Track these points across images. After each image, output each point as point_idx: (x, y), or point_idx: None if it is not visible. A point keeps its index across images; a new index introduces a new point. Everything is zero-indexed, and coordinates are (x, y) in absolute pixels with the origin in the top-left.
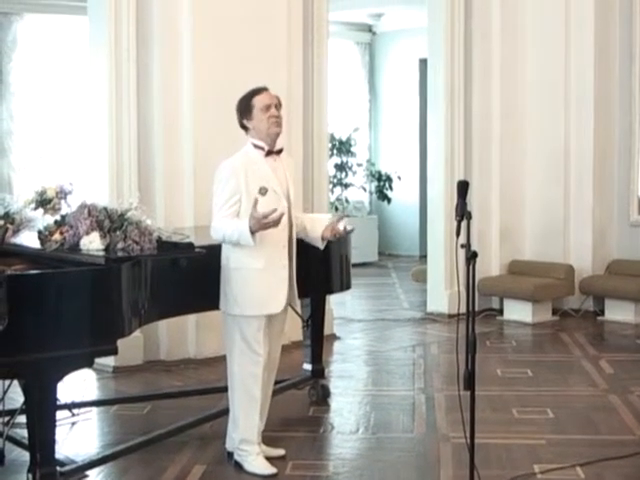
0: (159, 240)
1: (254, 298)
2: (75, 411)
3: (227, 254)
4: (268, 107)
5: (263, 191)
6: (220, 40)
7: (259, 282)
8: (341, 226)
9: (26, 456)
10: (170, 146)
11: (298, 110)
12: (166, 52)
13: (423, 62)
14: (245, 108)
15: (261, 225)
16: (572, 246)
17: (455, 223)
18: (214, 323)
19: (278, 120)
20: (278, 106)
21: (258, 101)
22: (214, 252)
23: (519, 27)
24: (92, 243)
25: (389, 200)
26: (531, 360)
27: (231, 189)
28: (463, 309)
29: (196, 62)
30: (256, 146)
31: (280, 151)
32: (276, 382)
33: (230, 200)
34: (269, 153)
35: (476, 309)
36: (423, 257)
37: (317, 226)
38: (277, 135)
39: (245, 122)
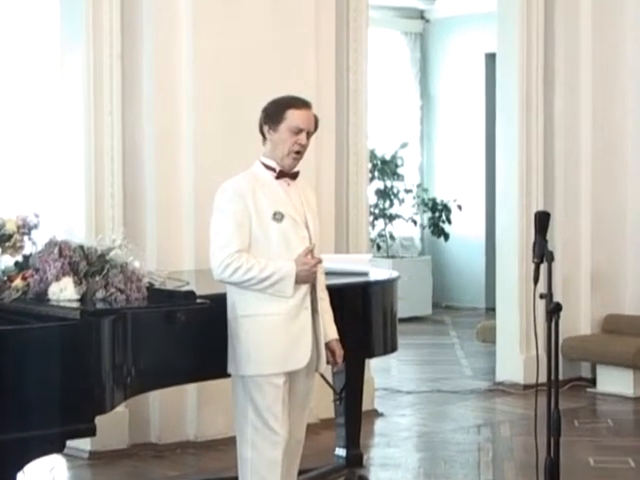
0: (150, 288)
1: (271, 351)
2: None
3: (232, 299)
4: (299, 131)
5: (278, 217)
6: (228, 30)
7: (277, 330)
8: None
9: None
10: (164, 167)
11: (330, 120)
12: (160, 46)
13: (491, 57)
14: (274, 115)
15: (309, 275)
16: None
17: (532, 266)
18: (220, 396)
19: (301, 152)
20: (310, 133)
21: (292, 117)
22: (221, 303)
23: (617, 11)
24: (64, 291)
25: (447, 236)
26: (633, 445)
27: (239, 215)
28: (543, 378)
29: (198, 58)
30: (266, 166)
31: (295, 175)
32: (300, 472)
33: (241, 229)
34: (281, 175)
35: (560, 378)
36: (490, 310)
37: (328, 331)
38: (290, 168)
39: (265, 130)
